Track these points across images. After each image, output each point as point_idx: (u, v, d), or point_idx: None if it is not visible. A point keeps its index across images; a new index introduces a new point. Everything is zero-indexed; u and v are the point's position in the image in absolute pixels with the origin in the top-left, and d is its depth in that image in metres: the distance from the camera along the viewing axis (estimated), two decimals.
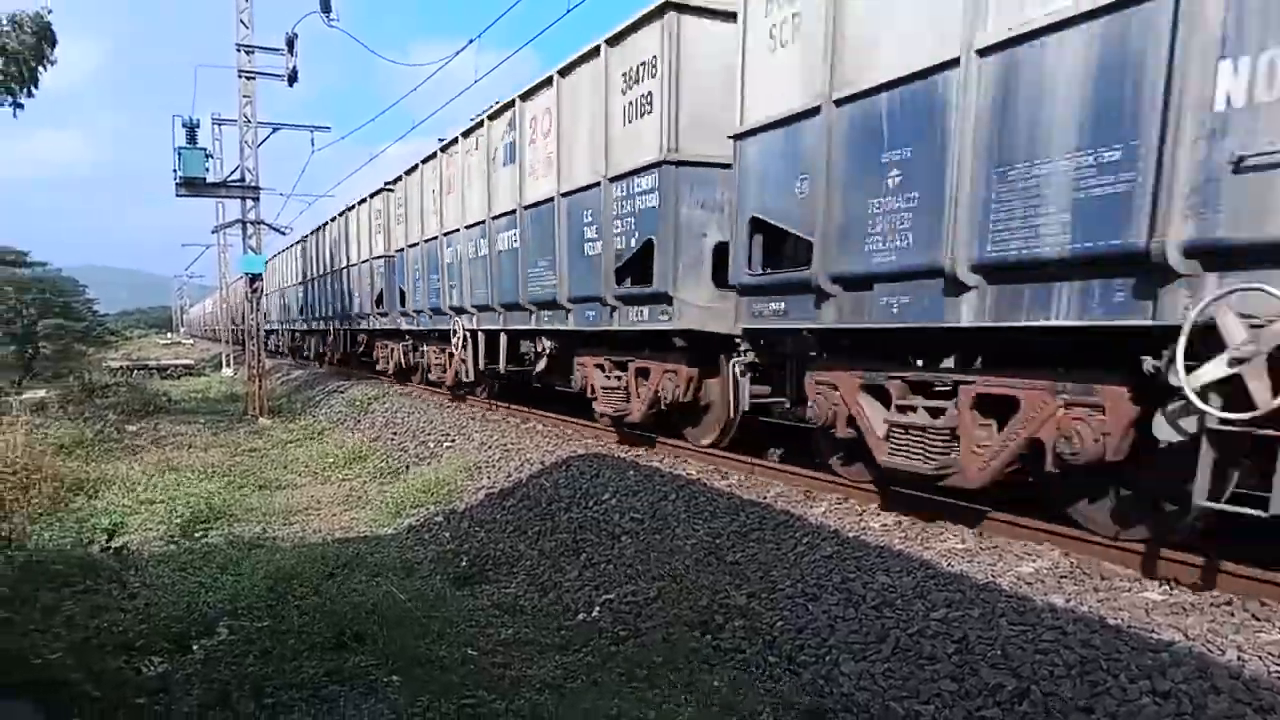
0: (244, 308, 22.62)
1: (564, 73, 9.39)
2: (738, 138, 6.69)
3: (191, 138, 19.59)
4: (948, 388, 5.47)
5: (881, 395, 5.96)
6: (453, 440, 11.67)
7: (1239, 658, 3.55)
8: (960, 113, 4.76)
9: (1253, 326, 3.67)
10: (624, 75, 8.23)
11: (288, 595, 6.09)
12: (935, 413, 5.50)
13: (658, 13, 7.59)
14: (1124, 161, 4.03)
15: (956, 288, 4.92)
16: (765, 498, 6.76)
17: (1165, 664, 3.55)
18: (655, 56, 7.67)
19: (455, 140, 12.98)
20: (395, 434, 13.42)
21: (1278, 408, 3.60)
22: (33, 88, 9.21)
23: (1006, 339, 5.00)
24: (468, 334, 13.18)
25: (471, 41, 14.74)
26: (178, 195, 19.75)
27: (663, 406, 8.58)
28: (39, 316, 29.71)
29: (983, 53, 4.65)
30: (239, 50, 18.63)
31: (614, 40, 8.35)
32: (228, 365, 34.12)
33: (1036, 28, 4.37)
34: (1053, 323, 4.46)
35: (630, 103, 8.16)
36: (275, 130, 21.49)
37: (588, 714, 4.30)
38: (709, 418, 8.67)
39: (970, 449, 5.24)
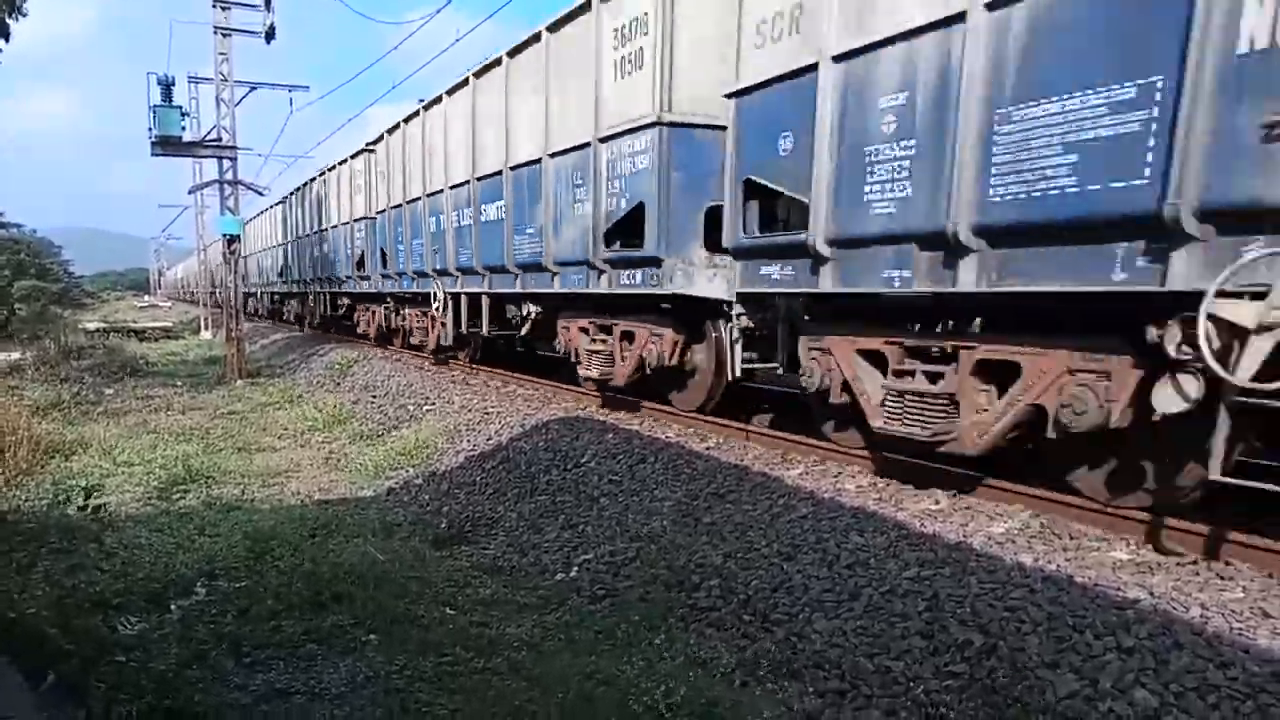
0: (222, 270, 22.36)
1: (553, 29, 9.13)
2: (734, 96, 6.51)
3: (167, 95, 19.19)
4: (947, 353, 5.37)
5: (878, 361, 5.89)
6: (433, 404, 11.64)
7: (1202, 615, 3.63)
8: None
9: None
10: (616, 31, 7.94)
11: (266, 556, 6.08)
12: (933, 378, 5.40)
13: None
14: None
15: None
16: (743, 460, 6.80)
17: (1130, 621, 3.63)
18: (648, 12, 7.43)
19: (439, 99, 12.54)
20: (375, 397, 13.36)
21: None
22: (4, 39, 9.05)
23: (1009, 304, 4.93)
24: (449, 297, 13.05)
25: (450, 1, 14.54)
26: (153, 154, 19.51)
27: (648, 370, 8.54)
28: (14, 278, 29.34)
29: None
30: (215, 6, 18.26)
31: None
32: (206, 328, 33.80)
33: None
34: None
35: (622, 58, 7.88)
36: (253, 89, 21.10)
37: (564, 671, 4.35)
38: (694, 382, 8.64)
39: (970, 415, 5.16)
